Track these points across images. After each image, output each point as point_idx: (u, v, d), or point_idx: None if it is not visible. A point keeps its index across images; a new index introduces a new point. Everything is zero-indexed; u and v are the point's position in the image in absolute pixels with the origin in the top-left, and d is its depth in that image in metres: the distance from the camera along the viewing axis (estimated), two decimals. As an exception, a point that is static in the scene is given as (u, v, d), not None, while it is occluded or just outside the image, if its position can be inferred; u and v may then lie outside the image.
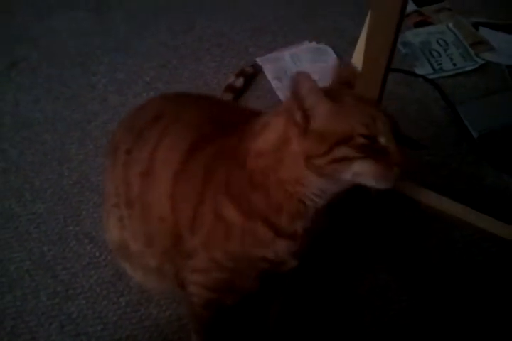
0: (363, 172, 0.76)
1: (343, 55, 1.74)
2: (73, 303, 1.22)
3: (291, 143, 0.79)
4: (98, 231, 1.32)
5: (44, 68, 1.76)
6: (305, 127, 0.77)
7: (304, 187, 0.81)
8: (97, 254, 1.29)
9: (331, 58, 1.75)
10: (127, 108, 1.59)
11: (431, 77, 1.69)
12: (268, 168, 0.82)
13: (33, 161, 1.49)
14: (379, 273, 1.26)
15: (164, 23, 1.91)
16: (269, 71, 1.72)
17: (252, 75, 1.70)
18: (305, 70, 0.76)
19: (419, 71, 1.71)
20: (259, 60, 1.75)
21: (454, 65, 1.72)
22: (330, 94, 0.78)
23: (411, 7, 1.89)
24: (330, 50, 1.77)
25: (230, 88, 1.63)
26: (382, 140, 0.76)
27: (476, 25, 1.84)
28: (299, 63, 1.73)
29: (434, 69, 1.71)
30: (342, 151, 0.75)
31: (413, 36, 1.81)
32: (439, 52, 1.76)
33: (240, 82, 1.65)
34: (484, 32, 1.82)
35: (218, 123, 0.94)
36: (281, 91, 1.65)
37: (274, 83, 1.68)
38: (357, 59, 1.24)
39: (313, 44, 1.80)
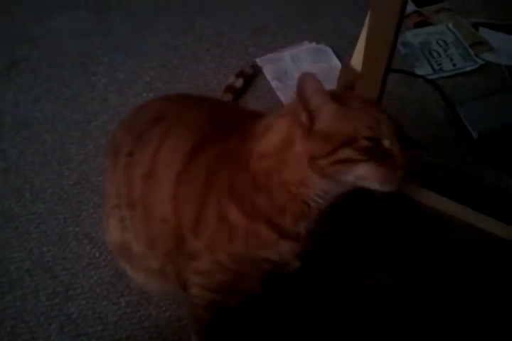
0: (366, 175, 0.76)
1: (343, 55, 1.74)
2: (73, 304, 1.22)
3: (295, 145, 0.79)
4: (98, 232, 1.32)
5: (44, 68, 1.76)
6: (310, 128, 0.77)
7: (308, 188, 0.81)
8: (97, 255, 1.29)
9: (330, 58, 1.75)
10: (127, 108, 1.59)
11: (431, 77, 1.69)
12: (271, 170, 0.82)
13: (33, 161, 1.49)
14: (379, 273, 1.26)
15: (164, 23, 1.91)
16: (268, 71, 1.72)
17: (252, 76, 1.70)
18: (305, 71, 0.76)
19: (419, 71, 1.71)
20: (258, 61, 1.75)
21: (454, 65, 1.72)
22: (336, 97, 0.78)
23: (411, 7, 1.90)
24: (330, 51, 1.77)
25: (229, 88, 1.63)
26: (386, 143, 0.76)
27: (475, 26, 1.84)
28: (299, 63, 1.73)
29: (433, 69, 1.71)
30: (346, 153, 0.75)
31: (413, 36, 1.81)
32: (438, 53, 1.76)
33: (239, 82, 1.65)
34: (484, 32, 1.82)
35: (220, 124, 0.93)
36: (281, 91, 1.65)
37: (274, 83, 1.68)
38: (356, 60, 1.24)
39: (313, 44, 1.80)
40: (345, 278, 1.25)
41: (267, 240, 0.86)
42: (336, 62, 1.73)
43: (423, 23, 1.87)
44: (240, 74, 1.68)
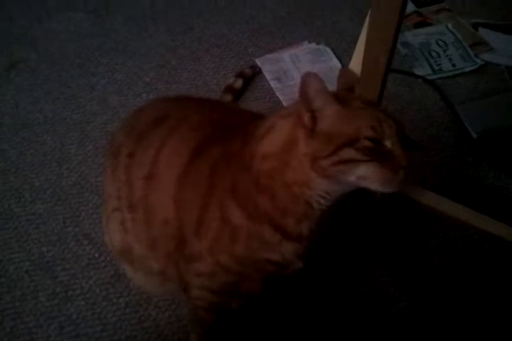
0: (368, 175, 0.76)
1: (343, 55, 1.74)
2: (72, 304, 1.22)
3: (298, 145, 0.79)
4: (97, 232, 1.32)
5: (43, 69, 1.76)
6: (312, 128, 0.77)
7: (310, 189, 0.81)
8: (96, 255, 1.29)
9: (330, 59, 1.75)
10: (127, 108, 1.59)
11: (430, 77, 1.69)
12: (274, 171, 0.82)
13: (32, 162, 1.49)
14: (379, 273, 1.26)
15: (163, 23, 1.91)
16: (268, 72, 1.72)
17: (251, 76, 1.70)
18: (304, 71, 0.76)
19: (418, 72, 1.71)
20: (258, 61, 1.75)
21: (454, 65, 1.72)
22: (338, 97, 0.78)
23: (410, 8, 1.90)
24: (329, 51, 1.77)
25: (229, 89, 1.63)
26: (387, 143, 0.77)
27: (475, 26, 1.84)
28: (299, 64, 1.73)
29: (433, 70, 1.71)
30: (347, 153, 0.75)
31: (412, 37, 1.81)
32: (438, 53, 1.76)
33: (239, 83, 1.65)
34: (484, 32, 1.82)
35: (221, 126, 0.93)
36: (281, 91, 1.65)
37: (274, 84, 1.68)
38: (355, 62, 1.24)
39: (313, 45, 1.80)
40: (345, 278, 1.25)
41: (269, 241, 0.86)
42: (335, 63, 1.73)
43: (423, 24, 1.87)
44: (240, 74, 1.68)
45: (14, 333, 1.18)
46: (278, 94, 1.65)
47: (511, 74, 1.69)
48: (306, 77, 0.75)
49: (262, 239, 0.86)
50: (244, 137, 0.87)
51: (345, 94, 0.85)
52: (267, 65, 1.74)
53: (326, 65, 1.72)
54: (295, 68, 1.72)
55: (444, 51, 1.76)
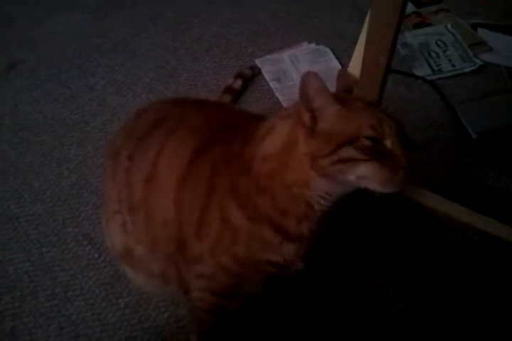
0: (367, 175, 0.76)
1: (343, 56, 1.74)
2: (72, 305, 1.22)
3: (298, 145, 0.79)
4: (97, 233, 1.32)
5: (43, 70, 1.75)
6: (312, 128, 0.77)
7: (310, 190, 0.81)
8: (96, 256, 1.29)
9: (330, 59, 1.75)
10: (126, 109, 1.59)
11: (430, 78, 1.69)
12: (274, 171, 0.82)
13: (32, 162, 1.49)
14: (378, 274, 1.26)
15: (163, 24, 1.91)
16: (268, 72, 1.72)
17: (251, 77, 1.70)
18: (304, 71, 0.76)
19: (418, 72, 1.71)
20: (258, 61, 1.75)
21: (453, 66, 1.72)
22: (338, 98, 0.79)
23: (410, 8, 1.90)
24: (329, 51, 1.77)
25: (228, 90, 1.63)
26: (387, 143, 0.77)
27: (474, 26, 1.84)
28: (298, 64, 1.73)
29: (433, 70, 1.71)
30: (347, 152, 0.75)
31: (412, 37, 1.81)
32: (437, 54, 1.76)
33: (238, 83, 1.64)
34: (483, 33, 1.82)
35: (221, 127, 0.94)
36: (280, 92, 1.65)
37: (273, 84, 1.68)
38: (355, 62, 1.24)
39: (313, 45, 1.80)
40: (344, 279, 1.25)
41: (270, 242, 0.86)
42: (335, 63, 1.73)
43: (422, 24, 1.87)
44: (239, 75, 1.68)
45: (14, 333, 1.18)
46: (277, 94, 1.65)
47: (510, 74, 1.69)
48: (306, 77, 0.75)
49: (262, 240, 0.86)
50: (244, 138, 0.87)
51: (345, 95, 0.85)
52: (267, 66, 1.74)
53: (326, 66, 1.72)
54: (294, 69, 1.72)
55: (444, 51, 1.76)
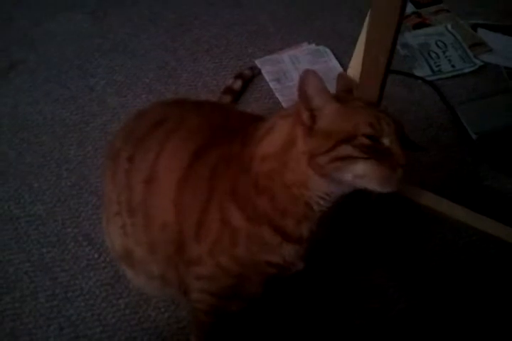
0: (365, 173, 0.76)
1: (343, 56, 1.74)
2: (72, 305, 1.22)
3: (297, 144, 0.79)
4: (97, 233, 1.32)
5: (42, 70, 1.75)
6: (311, 126, 0.77)
7: (309, 190, 0.81)
8: (96, 256, 1.29)
9: (330, 60, 1.75)
10: (126, 109, 1.59)
11: (430, 78, 1.69)
12: (273, 172, 0.82)
13: (31, 163, 1.49)
14: (378, 274, 1.26)
15: (162, 25, 1.91)
16: (268, 73, 1.72)
17: (251, 77, 1.70)
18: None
19: (418, 73, 1.71)
20: (257, 62, 1.75)
21: (453, 66, 1.72)
22: (337, 97, 0.79)
23: (409, 9, 1.90)
24: (329, 52, 1.77)
25: (228, 90, 1.63)
26: (386, 141, 0.76)
27: (474, 27, 1.85)
28: (298, 65, 1.73)
29: (432, 70, 1.71)
30: (345, 150, 0.75)
31: (412, 38, 1.81)
32: (437, 54, 1.76)
33: (238, 84, 1.65)
34: (483, 33, 1.82)
35: (221, 129, 0.94)
36: (280, 92, 1.65)
37: (273, 85, 1.68)
38: (355, 62, 1.24)
39: (313, 46, 1.80)
40: (343, 279, 1.25)
41: (269, 243, 0.86)
42: (335, 63, 1.73)
43: (422, 25, 1.87)
44: (239, 75, 1.68)
45: (14, 334, 1.18)
46: (277, 95, 1.65)
47: (510, 74, 1.69)
48: (305, 75, 0.75)
49: (261, 241, 0.86)
50: (244, 139, 0.87)
51: (344, 96, 0.85)
52: (267, 66, 1.74)
53: (326, 66, 1.72)
54: (295, 69, 1.72)
55: (444, 52, 1.76)
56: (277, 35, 1.86)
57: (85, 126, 1.58)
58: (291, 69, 1.72)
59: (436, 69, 1.71)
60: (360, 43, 1.21)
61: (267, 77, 1.71)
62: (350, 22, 1.84)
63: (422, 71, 1.71)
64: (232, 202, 0.85)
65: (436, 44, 1.79)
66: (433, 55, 1.75)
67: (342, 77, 0.94)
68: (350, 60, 1.32)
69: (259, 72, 1.72)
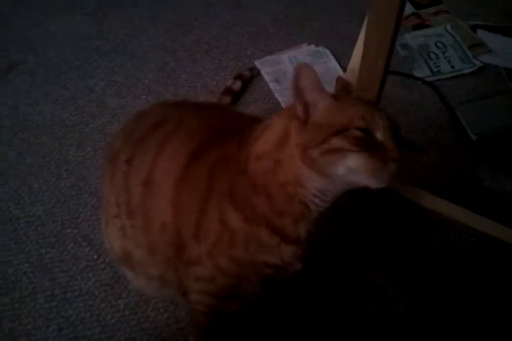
0: (356, 167, 0.75)
1: (342, 57, 1.74)
2: (71, 306, 1.22)
3: (290, 138, 0.79)
4: (96, 234, 1.32)
5: (42, 71, 1.76)
6: (305, 120, 0.77)
7: (303, 187, 0.81)
8: (95, 257, 1.29)
9: (329, 60, 1.75)
10: (126, 110, 1.60)
11: (429, 79, 1.69)
12: (268, 170, 0.82)
13: (31, 163, 1.49)
14: (377, 275, 1.26)
15: (162, 25, 1.91)
16: (267, 73, 1.72)
17: (250, 78, 1.70)
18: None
19: (417, 73, 1.71)
20: (257, 63, 1.75)
21: (453, 67, 1.72)
22: (333, 94, 0.79)
23: (409, 9, 1.90)
24: (328, 53, 1.77)
25: (228, 91, 1.63)
26: (378, 135, 0.76)
27: (474, 28, 1.84)
28: (298, 65, 1.73)
29: (432, 71, 1.71)
30: (337, 142, 0.75)
31: (411, 39, 1.81)
32: (437, 55, 1.76)
33: (237, 85, 1.64)
34: (482, 34, 1.82)
35: (219, 130, 0.93)
36: (280, 93, 1.65)
37: (273, 85, 1.68)
38: (354, 63, 1.24)
39: (312, 46, 1.80)
40: (343, 280, 1.25)
41: (267, 244, 0.86)
42: (334, 64, 1.73)
43: (421, 26, 1.87)
44: (238, 76, 1.68)
45: (13, 335, 1.18)
46: (277, 95, 1.65)
47: (510, 75, 1.69)
48: (299, 70, 0.76)
49: (259, 242, 0.86)
50: (241, 140, 0.87)
51: (341, 93, 0.86)
52: (266, 67, 1.74)
53: (325, 67, 1.73)
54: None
55: (443, 53, 1.76)
56: (277, 36, 1.86)
57: (85, 126, 1.58)
58: (290, 70, 1.72)
59: (435, 70, 1.71)
60: (359, 44, 1.21)
61: (266, 77, 1.71)
62: (350, 23, 1.84)
63: (421, 72, 1.71)
64: (229, 203, 0.85)
65: (435, 45, 1.79)
66: (432, 56, 1.76)
67: (340, 81, 0.94)
68: (349, 60, 1.32)
69: (259, 73, 1.72)
